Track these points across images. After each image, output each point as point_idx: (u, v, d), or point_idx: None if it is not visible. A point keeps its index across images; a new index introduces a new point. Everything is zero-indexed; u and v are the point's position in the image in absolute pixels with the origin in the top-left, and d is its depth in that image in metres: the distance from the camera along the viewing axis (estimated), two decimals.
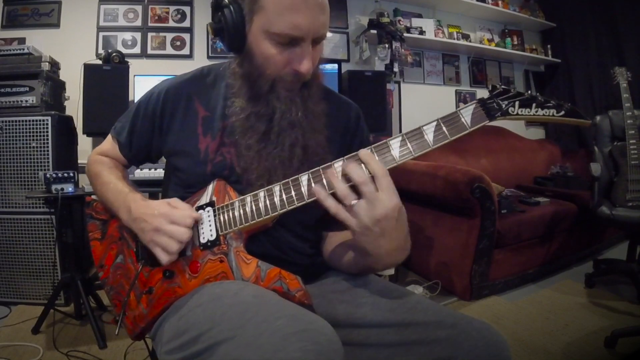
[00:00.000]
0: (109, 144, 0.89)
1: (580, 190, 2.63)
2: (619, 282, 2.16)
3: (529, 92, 0.58)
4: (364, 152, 0.60)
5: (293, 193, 0.64)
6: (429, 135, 0.59)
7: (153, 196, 2.00)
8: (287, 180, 0.65)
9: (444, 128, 0.58)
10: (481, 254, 2.00)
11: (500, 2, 3.35)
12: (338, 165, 0.62)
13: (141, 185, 1.76)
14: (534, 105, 0.57)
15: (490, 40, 3.44)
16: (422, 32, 3.04)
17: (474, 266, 2.00)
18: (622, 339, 1.53)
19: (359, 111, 0.90)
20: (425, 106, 3.17)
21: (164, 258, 0.67)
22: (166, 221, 0.67)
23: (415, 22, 3.12)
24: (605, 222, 2.02)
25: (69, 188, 1.62)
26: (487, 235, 1.98)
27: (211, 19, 0.73)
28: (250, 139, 0.73)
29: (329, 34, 2.96)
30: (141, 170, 1.81)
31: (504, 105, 0.57)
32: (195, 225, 0.71)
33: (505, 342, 0.62)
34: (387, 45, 2.73)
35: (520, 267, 2.24)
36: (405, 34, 2.87)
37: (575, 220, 2.41)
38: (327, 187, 0.61)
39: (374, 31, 2.79)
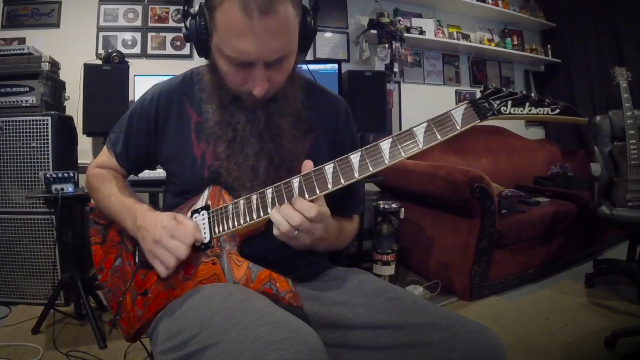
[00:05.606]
0: (105, 155, 0.88)
1: (580, 190, 2.63)
2: (619, 282, 2.16)
3: (522, 91, 0.58)
4: (299, 202, 0.63)
5: (285, 196, 0.64)
6: (419, 136, 0.59)
7: (153, 196, 2.00)
8: (279, 183, 0.66)
9: (435, 129, 0.58)
10: (481, 254, 2.00)
11: (500, 2, 3.34)
12: (329, 167, 0.63)
13: (142, 185, 1.76)
14: (527, 104, 0.57)
15: (490, 40, 3.43)
16: (422, 32, 3.04)
17: (474, 266, 2.00)
18: (622, 339, 1.53)
19: (348, 107, 0.90)
20: (425, 106, 3.16)
21: (162, 272, 0.68)
22: (167, 235, 0.67)
23: (415, 22, 3.11)
24: (605, 222, 2.02)
25: (69, 188, 1.62)
26: (487, 235, 1.98)
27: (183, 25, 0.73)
28: (220, 146, 0.74)
29: (328, 34, 2.99)
30: None
31: (495, 105, 0.57)
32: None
33: (502, 345, 0.60)
34: (387, 45, 2.73)
35: (520, 267, 2.24)
36: (405, 34, 2.87)
37: (575, 220, 2.41)
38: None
39: (374, 31, 2.79)
